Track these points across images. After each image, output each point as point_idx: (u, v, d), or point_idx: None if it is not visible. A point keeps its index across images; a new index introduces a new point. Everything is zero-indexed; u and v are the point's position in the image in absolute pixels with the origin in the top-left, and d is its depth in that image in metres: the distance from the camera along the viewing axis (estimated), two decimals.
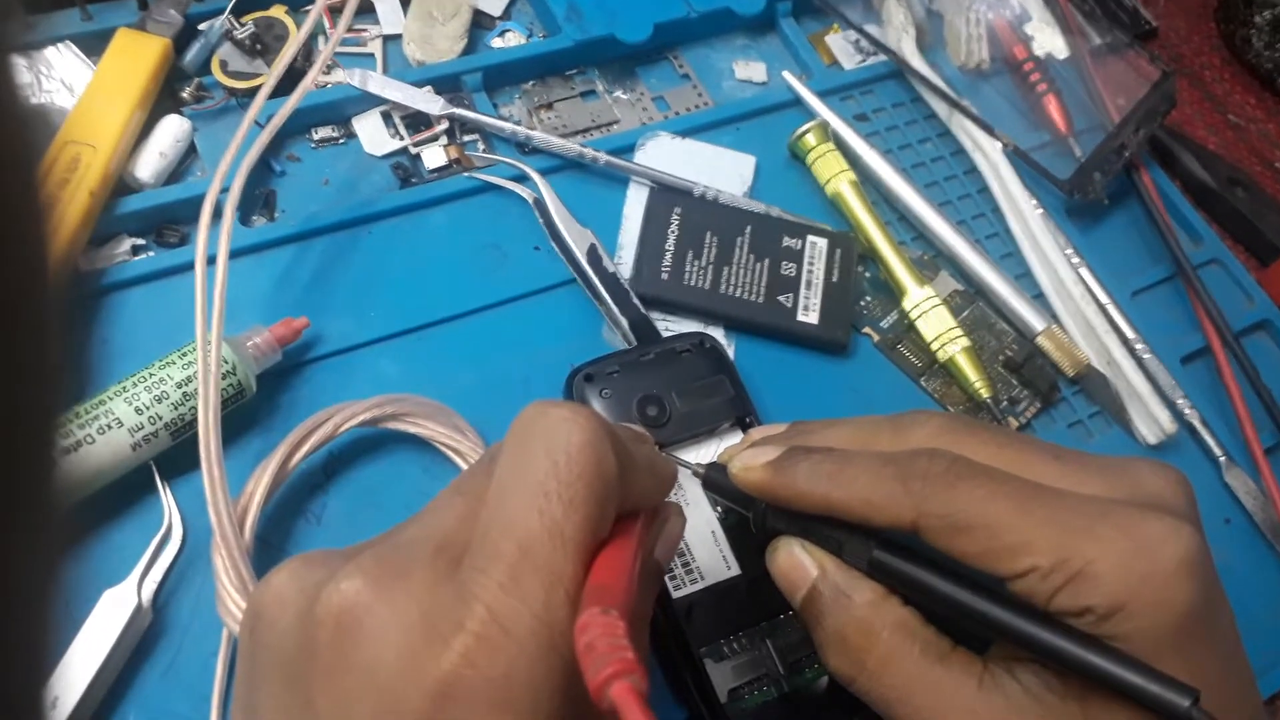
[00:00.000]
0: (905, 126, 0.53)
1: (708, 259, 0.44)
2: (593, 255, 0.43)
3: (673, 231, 0.45)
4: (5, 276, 0.13)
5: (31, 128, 0.15)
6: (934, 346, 0.45)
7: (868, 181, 0.49)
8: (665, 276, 0.44)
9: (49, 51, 0.43)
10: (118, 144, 0.39)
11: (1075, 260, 0.50)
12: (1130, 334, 0.48)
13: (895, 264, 0.47)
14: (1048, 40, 0.56)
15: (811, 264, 0.45)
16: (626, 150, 0.48)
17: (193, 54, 0.44)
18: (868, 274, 0.47)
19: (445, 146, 0.46)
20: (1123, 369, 0.46)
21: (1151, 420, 0.45)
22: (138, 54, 0.42)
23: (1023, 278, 0.49)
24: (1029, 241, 0.50)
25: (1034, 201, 0.51)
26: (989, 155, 0.51)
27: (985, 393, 0.44)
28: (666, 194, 0.46)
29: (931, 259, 0.48)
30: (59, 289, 0.15)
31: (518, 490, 0.23)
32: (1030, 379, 0.45)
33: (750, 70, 0.53)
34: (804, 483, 0.29)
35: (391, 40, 0.49)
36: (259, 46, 0.45)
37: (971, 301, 0.47)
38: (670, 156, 0.48)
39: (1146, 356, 0.47)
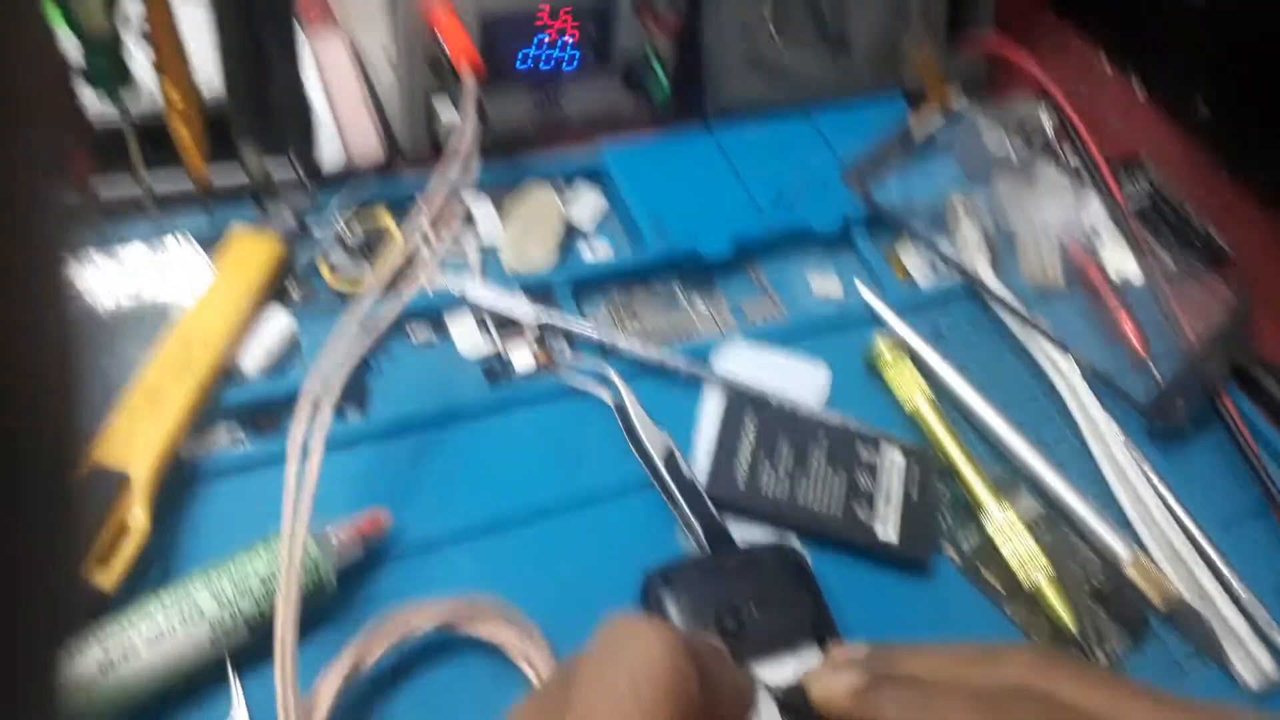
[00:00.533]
0: (981, 343, 0.54)
1: (784, 468, 0.45)
2: (670, 460, 0.44)
3: (748, 438, 0.45)
4: (33, 501, 0.13)
5: (75, 340, 0.15)
6: (1017, 572, 0.44)
7: (944, 397, 0.50)
8: (741, 484, 0.44)
9: (170, 244, 0.46)
10: (227, 338, 0.41)
11: (1161, 487, 0.49)
12: (1222, 567, 0.46)
13: (975, 483, 0.46)
14: (1121, 262, 0.57)
15: (889, 478, 0.45)
16: (704, 357, 0.49)
17: (304, 254, 0.47)
18: (947, 491, 0.47)
19: (534, 350, 0.47)
20: (1216, 604, 0.44)
21: (1251, 662, 0.43)
22: (253, 252, 0.45)
23: (1107, 503, 0.48)
24: (1111, 466, 0.49)
25: (1115, 425, 0.50)
26: (1067, 376, 0.52)
27: (1073, 626, 0.42)
28: (742, 401, 0.47)
29: (1012, 479, 0.48)
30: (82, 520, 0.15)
31: (600, 714, 0.22)
32: (1119, 612, 0.43)
33: (826, 284, 0.54)
34: (890, 715, 0.28)
35: (488, 248, 0.52)
36: (366, 250, 0.48)
37: (1054, 525, 0.46)
38: (747, 364, 0.49)
39: (1242, 592, 0.45)
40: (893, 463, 0.46)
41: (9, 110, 0.13)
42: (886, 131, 0.58)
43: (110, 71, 0.39)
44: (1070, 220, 0.57)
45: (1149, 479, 0.49)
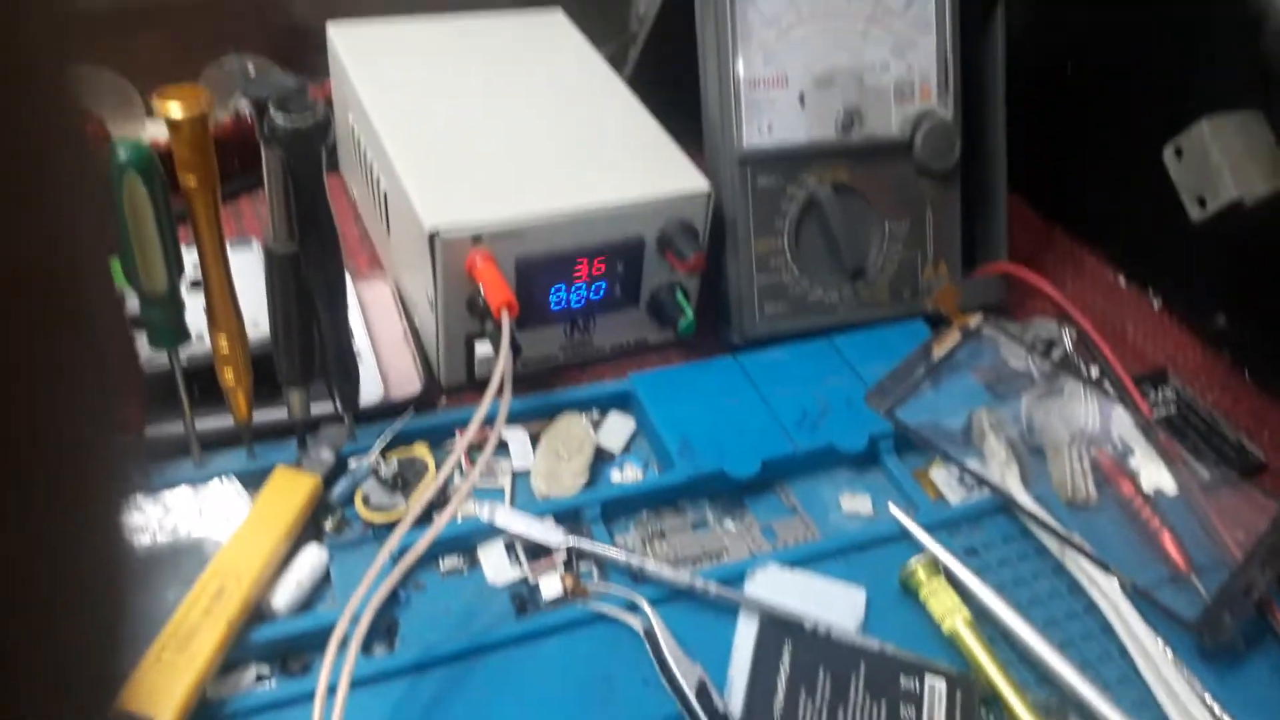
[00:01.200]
0: (1017, 561, 0.53)
1: (821, 698, 0.43)
2: (702, 692, 0.43)
3: (784, 667, 0.44)
4: None
5: (123, 582, 0.16)
6: None
7: (983, 618, 0.49)
8: (778, 717, 0.43)
9: (213, 484, 0.48)
10: (260, 576, 0.42)
11: (1216, 707, 0.47)
12: None
13: (1020, 709, 0.44)
14: (1154, 475, 0.57)
15: (931, 708, 0.44)
16: (736, 580, 0.49)
17: (340, 488, 0.48)
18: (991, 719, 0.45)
19: (562, 576, 0.47)
20: None
21: None
22: (292, 490, 0.47)
23: None
24: (1162, 687, 0.47)
25: (1161, 642, 0.48)
26: (1107, 593, 0.50)
27: None
28: (777, 627, 0.46)
29: (1059, 704, 0.46)
30: None
31: None
32: None
33: (856, 503, 0.55)
34: None
35: (520, 474, 0.53)
36: (400, 482, 0.49)
37: None
38: (780, 587, 0.49)
39: None
40: (934, 690, 0.44)
41: (80, 373, 0.15)
42: (907, 352, 0.60)
43: (167, 328, 0.42)
44: (1099, 433, 0.58)
45: (1202, 699, 0.47)
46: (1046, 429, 0.58)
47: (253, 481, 0.48)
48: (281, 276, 0.44)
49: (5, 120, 0.13)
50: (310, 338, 0.46)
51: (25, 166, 0.13)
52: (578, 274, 0.56)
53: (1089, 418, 0.58)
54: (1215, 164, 0.54)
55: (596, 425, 0.56)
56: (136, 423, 0.18)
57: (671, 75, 0.63)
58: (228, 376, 0.45)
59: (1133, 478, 0.57)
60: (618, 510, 0.52)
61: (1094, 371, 0.62)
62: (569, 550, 0.48)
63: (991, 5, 0.65)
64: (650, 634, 0.45)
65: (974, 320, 0.62)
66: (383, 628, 0.44)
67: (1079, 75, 0.73)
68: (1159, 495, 0.56)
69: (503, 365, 0.47)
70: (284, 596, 0.43)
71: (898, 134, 0.62)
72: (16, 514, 0.13)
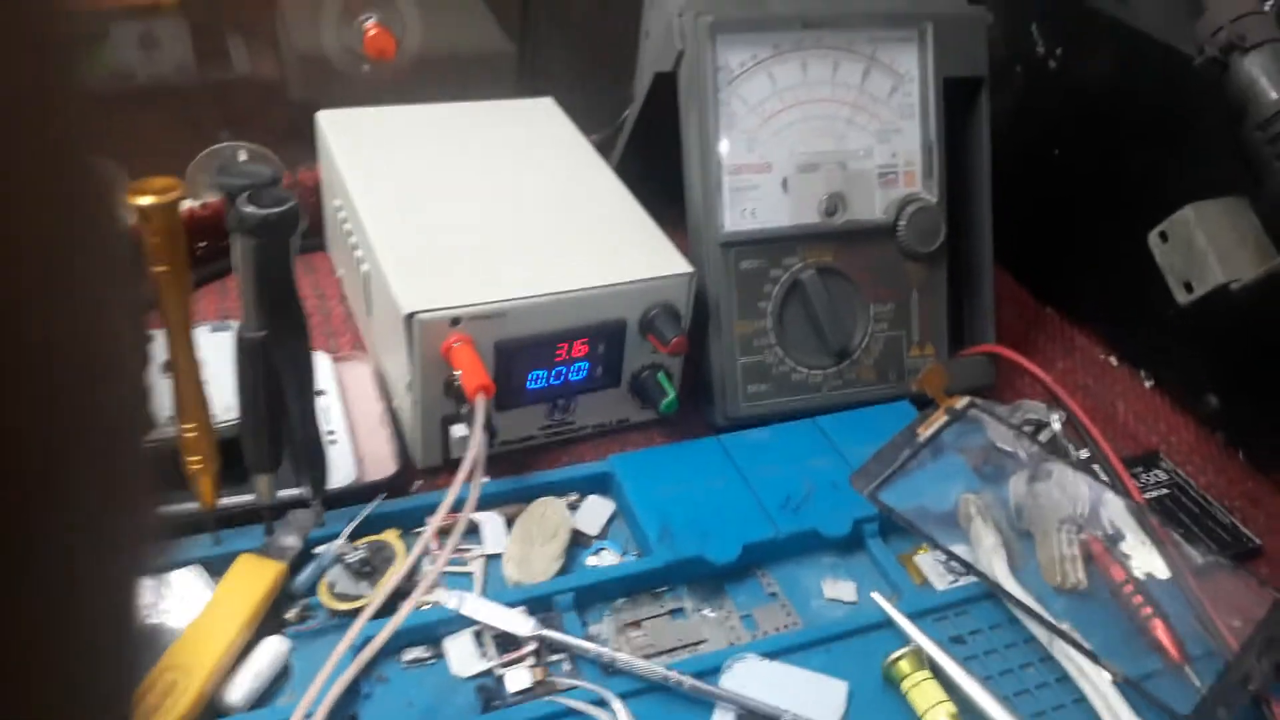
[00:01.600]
0: (1004, 650, 0.51)
1: None
2: None
3: None
4: None
5: (140, 652, 0.17)
6: None
7: (969, 712, 0.47)
8: None
9: (175, 572, 0.47)
10: (215, 669, 0.41)
11: None
12: None
13: None
14: (1146, 560, 0.56)
15: None
16: (713, 672, 0.47)
17: (304, 576, 0.48)
18: None
19: (531, 668, 0.46)
20: None
21: None
22: (255, 578, 0.46)
23: None
24: None
25: None
26: (1098, 685, 0.49)
27: None
28: None
29: None
30: None
31: None
32: None
33: (839, 589, 0.53)
34: None
35: (493, 559, 0.52)
36: (367, 569, 0.49)
37: None
38: (758, 680, 0.47)
39: None
40: None
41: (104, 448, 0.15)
42: (893, 434, 0.59)
43: None
44: (1088, 517, 0.56)
45: None
46: (1035, 513, 0.57)
47: (217, 568, 0.48)
48: (251, 362, 0.44)
49: (38, 207, 0.13)
50: (278, 423, 0.46)
51: (58, 250, 0.14)
52: (559, 356, 0.56)
53: (1078, 501, 0.57)
54: (1200, 249, 0.54)
55: (574, 508, 0.55)
56: (152, 500, 0.18)
57: (657, 161, 0.64)
58: (193, 463, 0.45)
59: (1123, 563, 0.55)
60: (592, 597, 0.51)
61: (1083, 454, 0.61)
62: (538, 640, 0.47)
63: (975, 92, 0.66)
64: None
65: (961, 401, 0.61)
66: None
67: (1066, 159, 0.73)
68: (1151, 581, 0.54)
69: (474, 451, 0.47)
70: (240, 690, 0.42)
71: (882, 217, 0.62)
72: (32, 591, 0.14)
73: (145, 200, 0.39)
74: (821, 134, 0.62)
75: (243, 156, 0.67)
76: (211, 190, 0.69)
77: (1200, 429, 0.67)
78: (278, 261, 0.41)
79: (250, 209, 0.39)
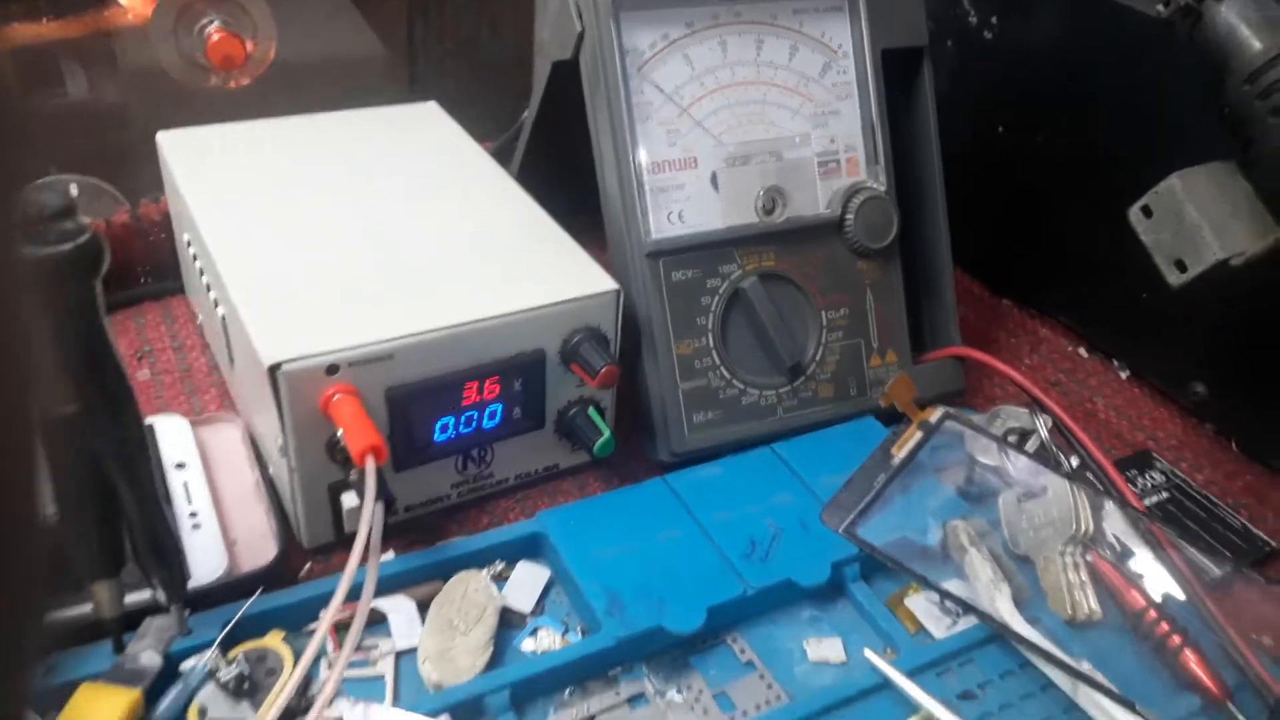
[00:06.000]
0: (1021, 702, 0.44)
1: None
2: None
3: None
4: None
5: None
6: None
7: None
8: None
9: None
10: None
11: None
12: None
13: None
14: (1160, 579, 0.49)
15: None
16: None
17: (167, 704, 0.37)
18: None
19: None
20: None
21: None
22: (99, 714, 0.35)
23: None
24: None
25: None
26: None
27: None
28: None
29: None
30: None
31: None
32: None
33: (824, 649, 0.45)
34: None
35: (406, 654, 0.42)
36: (247, 685, 0.38)
37: None
38: None
39: None
40: None
41: None
42: (862, 456, 0.52)
43: None
44: (1092, 535, 0.49)
45: None
46: (1032, 536, 0.50)
47: (55, 704, 0.37)
48: (62, 447, 0.33)
49: None
50: (111, 517, 0.35)
51: None
52: (466, 399, 0.47)
53: (1078, 518, 0.50)
54: (1192, 223, 0.48)
55: (501, 579, 0.46)
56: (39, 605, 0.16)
57: (564, 166, 0.56)
58: None
59: (1137, 584, 0.48)
60: (532, 691, 0.41)
61: (1073, 461, 0.54)
62: None
63: (915, 65, 0.59)
64: None
65: (934, 414, 0.53)
66: None
67: (1012, 136, 0.67)
68: (1170, 602, 0.48)
69: (367, 525, 0.38)
70: None
71: (826, 212, 0.55)
72: None
73: None
74: (750, 121, 0.54)
75: (74, 191, 0.56)
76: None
77: (1188, 420, 0.61)
78: (80, 313, 0.31)
79: (32, 249, 0.29)
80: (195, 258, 0.52)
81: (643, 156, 0.51)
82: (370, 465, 0.40)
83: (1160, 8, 0.51)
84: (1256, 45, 0.47)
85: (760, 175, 0.54)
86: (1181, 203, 0.48)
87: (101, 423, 0.33)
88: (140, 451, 0.34)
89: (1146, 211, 0.50)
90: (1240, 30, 0.48)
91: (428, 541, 0.47)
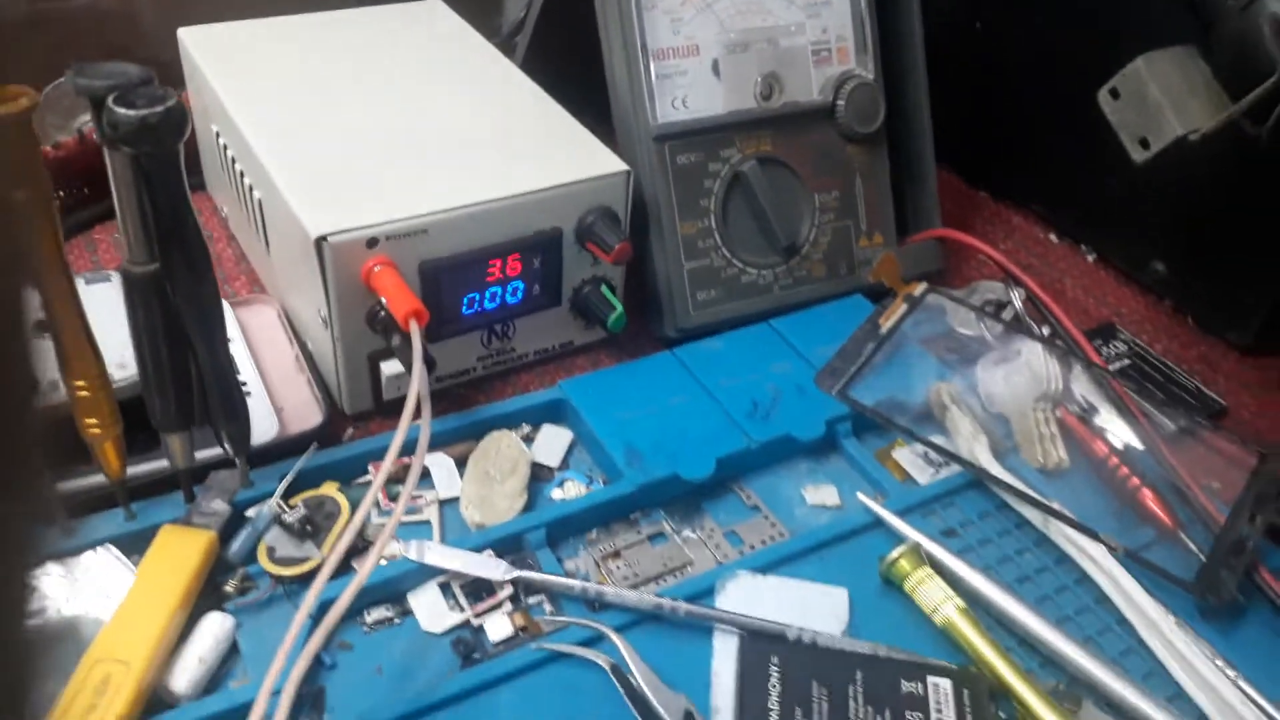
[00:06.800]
0: (999, 538, 0.49)
1: (819, 715, 0.38)
2: None
3: (773, 686, 0.39)
4: None
5: (30, 664, 0.15)
6: None
7: (976, 605, 0.44)
8: None
9: (85, 557, 0.40)
10: (153, 657, 0.35)
11: (1230, 671, 0.44)
12: None
13: (1032, 700, 0.40)
14: (1121, 430, 0.54)
15: (939, 710, 0.39)
16: (706, 595, 0.43)
17: (239, 544, 0.42)
18: (1002, 715, 0.41)
19: (510, 614, 0.42)
20: None
21: None
22: (181, 552, 0.40)
23: (1176, 699, 0.42)
24: (1171, 655, 0.44)
25: (1164, 609, 0.45)
26: (1099, 561, 0.47)
27: None
28: (759, 641, 0.41)
29: (1068, 688, 0.42)
30: None
31: None
32: None
33: (821, 494, 0.50)
34: None
35: (448, 503, 0.47)
36: (309, 528, 0.43)
37: None
38: (755, 597, 0.44)
39: None
40: (940, 690, 0.40)
41: None
42: (851, 329, 0.56)
43: None
44: (1061, 393, 0.54)
45: (1213, 662, 0.43)
46: (1007, 395, 0.54)
47: (135, 547, 0.41)
48: (144, 302, 0.37)
49: None
50: (185, 373, 0.39)
51: None
52: (491, 275, 0.50)
53: (1049, 378, 0.55)
54: (1155, 102, 0.52)
55: (529, 440, 0.50)
56: (43, 478, 0.16)
57: (567, 56, 0.58)
58: (90, 427, 0.38)
59: (1102, 436, 0.53)
60: (564, 532, 0.46)
61: (1045, 331, 0.59)
62: (514, 584, 0.42)
63: None
64: (619, 669, 0.39)
65: (918, 288, 0.58)
66: (308, 700, 0.38)
67: (988, 33, 0.70)
68: (1130, 451, 0.53)
69: (418, 383, 0.41)
70: (185, 677, 0.36)
71: (819, 99, 0.58)
72: None
73: None
74: (748, 10, 0.57)
75: None
76: (62, 130, 0.61)
77: (1148, 297, 0.66)
78: (165, 175, 0.34)
79: (124, 110, 0.32)
80: (226, 148, 0.55)
81: (648, 43, 0.54)
82: (415, 327, 0.43)
83: None
84: None
85: (758, 62, 0.57)
86: (1146, 83, 0.52)
87: (182, 281, 0.36)
88: (216, 310, 0.38)
89: (1114, 93, 0.54)
90: None
91: (458, 409, 0.51)
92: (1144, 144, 0.53)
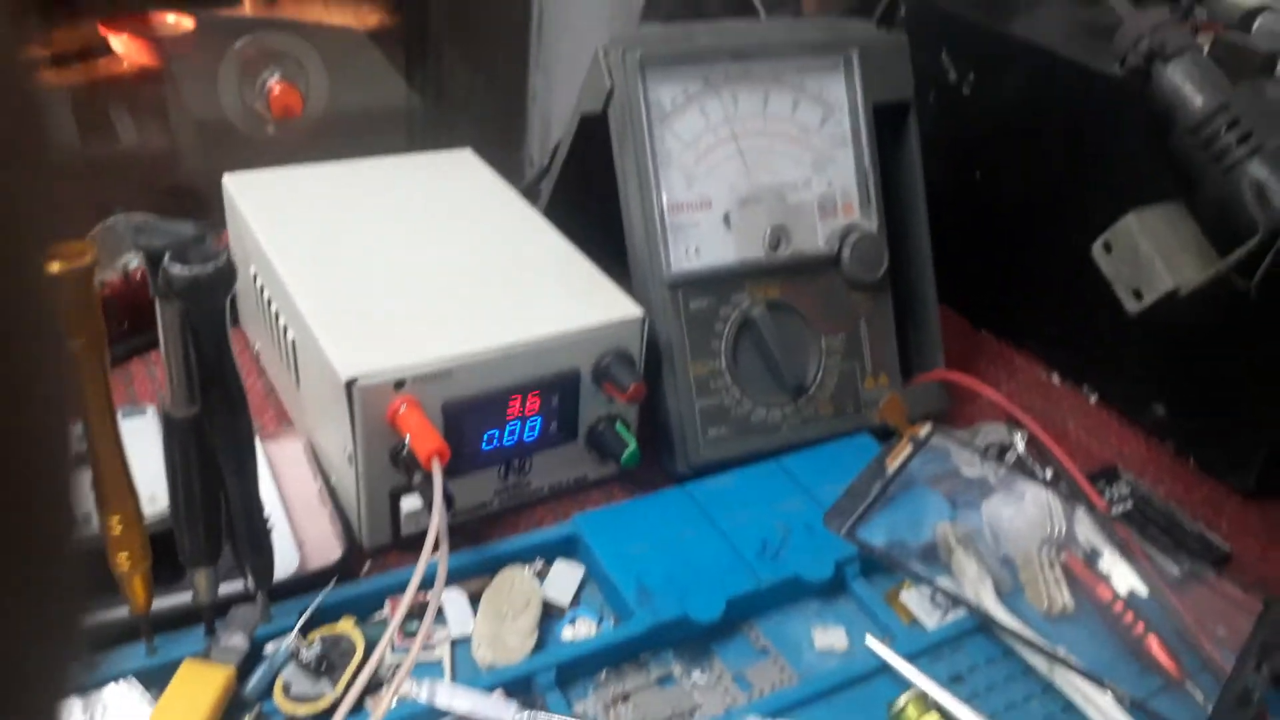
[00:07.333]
0: (1005, 683, 0.49)
1: None
2: None
3: None
4: None
5: None
6: None
7: None
8: None
9: (107, 690, 0.41)
10: None
11: None
12: None
13: None
14: (1126, 576, 0.55)
15: None
16: None
17: (255, 680, 0.42)
18: None
19: None
20: None
21: None
22: (200, 686, 0.41)
23: None
24: None
25: None
26: (1105, 711, 0.47)
27: None
28: None
29: None
30: None
31: None
32: None
33: (830, 637, 0.50)
34: None
35: (460, 642, 0.47)
36: (325, 665, 0.44)
37: None
38: None
39: None
40: None
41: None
42: (858, 468, 0.57)
43: None
44: (1064, 537, 0.55)
45: None
46: (1012, 537, 0.55)
47: (156, 680, 0.42)
48: (182, 444, 0.39)
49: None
50: (216, 510, 0.41)
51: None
52: (511, 412, 0.52)
53: (1053, 521, 0.56)
54: (1146, 256, 0.54)
55: (541, 576, 0.51)
56: (81, 608, 0.16)
57: (588, 205, 0.62)
58: (122, 562, 0.39)
59: (1106, 580, 0.54)
60: (574, 673, 0.47)
61: (1048, 473, 0.60)
62: None
63: (903, 117, 0.65)
64: None
65: (923, 429, 0.59)
66: None
67: (988, 182, 0.74)
68: (1135, 597, 0.53)
69: (438, 520, 0.43)
70: None
71: (825, 249, 0.61)
72: None
73: (54, 267, 0.34)
74: (758, 167, 0.60)
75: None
76: (108, 270, 0.64)
77: (1150, 439, 0.67)
78: (211, 327, 0.36)
79: (179, 269, 0.35)
80: (263, 289, 0.58)
81: (664, 197, 0.58)
82: (436, 466, 0.45)
83: (1116, 68, 0.58)
84: (1198, 101, 0.54)
85: (767, 215, 0.60)
86: (1137, 238, 0.55)
87: (220, 422, 0.38)
88: (249, 449, 0.40)
89: (1107, 247, 0.56)
90: (1184, 88, 0.55)
91: (473, 543, 0.52)
92: (1137, 295, 0.55)
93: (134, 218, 0.62)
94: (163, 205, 0.70)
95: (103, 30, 1.26)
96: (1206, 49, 0.58)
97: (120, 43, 1.28)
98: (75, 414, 0.36)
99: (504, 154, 0.78)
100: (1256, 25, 0.65)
